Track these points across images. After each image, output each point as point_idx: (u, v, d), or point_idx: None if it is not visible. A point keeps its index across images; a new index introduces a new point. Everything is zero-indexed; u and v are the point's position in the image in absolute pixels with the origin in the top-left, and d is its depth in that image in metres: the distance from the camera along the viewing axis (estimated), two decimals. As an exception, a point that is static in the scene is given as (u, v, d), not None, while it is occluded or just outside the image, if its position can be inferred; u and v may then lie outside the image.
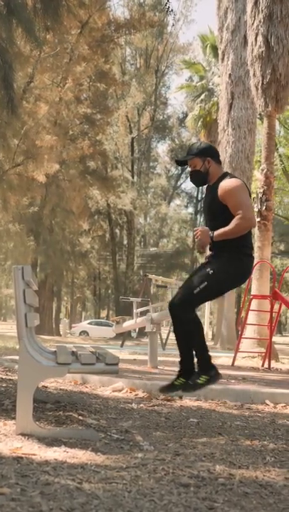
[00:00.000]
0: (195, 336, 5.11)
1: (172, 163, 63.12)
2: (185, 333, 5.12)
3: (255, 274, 15.04)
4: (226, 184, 5.07)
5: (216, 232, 5.03)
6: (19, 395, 4.20)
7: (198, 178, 5.33)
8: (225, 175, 5.23)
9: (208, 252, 5.29)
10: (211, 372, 5.11)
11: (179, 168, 61.75)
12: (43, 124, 26.52)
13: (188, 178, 5.65)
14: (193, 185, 5.89)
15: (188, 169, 5.43)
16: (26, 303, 4.39)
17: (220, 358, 14.95)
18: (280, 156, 38.59)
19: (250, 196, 5.18)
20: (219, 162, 5.34)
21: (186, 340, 5.18)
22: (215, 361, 5.12)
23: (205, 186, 5.44)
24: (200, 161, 5.25)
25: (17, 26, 11.34)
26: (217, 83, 32.74)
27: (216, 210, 5.11)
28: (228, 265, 5.02)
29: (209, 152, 5.29)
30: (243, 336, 14.08)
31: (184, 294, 5.05)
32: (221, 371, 5.27)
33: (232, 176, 5.22)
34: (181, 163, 5.50)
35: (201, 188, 51.77)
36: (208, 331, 47.36)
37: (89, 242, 49.94)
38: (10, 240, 33.36)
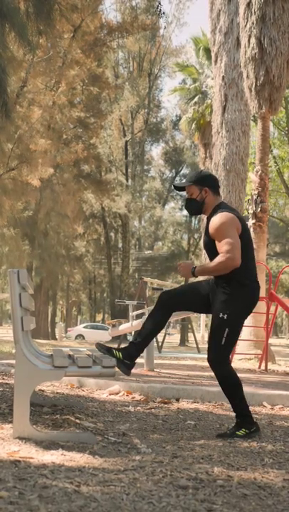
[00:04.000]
0: (237, 391, 4.96)
1: (166, 165, 63.16)
2: (231, 387, 4.95)
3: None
4: (214, 220, 4.89)
5: (198, 267, 4.94)
6: (16, 398, 4.19)
7: (192, 207, 5.16)
8: (217, 207, 5.02)
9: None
10: (252, 428, 4.93)
11: (173, 171, 61.87)
12: (37, 128, 26.54)
13: (184, 205, 5.37)
14: (187, 213, 5.67)
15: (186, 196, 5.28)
16: (22, 306, 4.38)
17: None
18: (274, 157, 38.66)
19: (244, 226, 4.96)
20: (218, 193, 5.13)
21: (235, 392, 5.01)
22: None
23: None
24: (197, 190, 5.07)
25: (10, 31, 11.32)
26: (210, 85, 32.78)
27: (209, 244, 4.99)
28: (236, 301, 4.88)
29: (208, 182, 5.09)
30: (239, 338, 14.07)
31: (214, 351, 4.90)
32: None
33: (224, 209, 4.96)
34: (179, 188, 5.25)
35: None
36: (204, 334, 47.35)
37: (84, 245, 50.00)
38: (5, 245, 33.35)
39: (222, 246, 4.79)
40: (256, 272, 5.09)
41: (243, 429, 4.88)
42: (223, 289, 4.90)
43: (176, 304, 5.07)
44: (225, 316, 4.84)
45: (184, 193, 5.11)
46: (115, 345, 5.04)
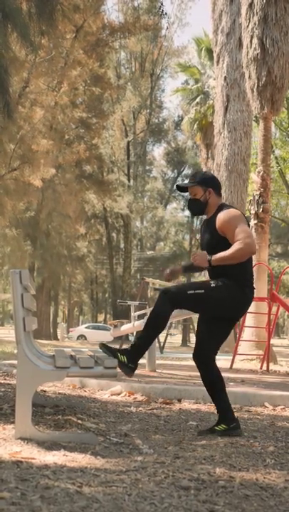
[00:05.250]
0: (154, 332, 4.93)
1: (168, 166, 63.21)
2: (155, 325, 4.91)
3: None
4: (223, 215, 4.94)
5: (214, 256, 4.88)
6: (18, 399, 4.20)
7: (196, 208, 5.20)
8: (222, 206, 5.09)
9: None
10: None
11: (175, 171, 61.87)
12: (39, 129, 26.52)
13: (186, 206, 5.45)
14: (190, 213, 5.73)
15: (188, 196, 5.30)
16: (24, 307, 4.38)
17: (218, 360, 14.92)
18: (276, 158, 38.65)
19: (249, 226, 5.05)
20: (220, 195, 5.20)
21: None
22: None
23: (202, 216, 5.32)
24: (201, 190, 5.13)
25: (12, 31, 11.31)
26: (212, 86, 32.78)
27: (215, 243, 4.98)
28: (230, 290, 4.86)
29: (212, 183, 5.15)
30: (241, 339, 14.08)
31: (176, 288, 4.91)
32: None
33: (229, 207, 5.08)
34: (182, 189, 5.34)
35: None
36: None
37: (86, 246, 49.96)
38: (7, 245, 33.37)
39: (237, 234, 4.83)
40: (253, 278, 5.13)
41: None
42: (222, 281, 4.93)
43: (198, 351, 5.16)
44: (212, 285, 4.88)
45: (185, 193, 5.14)
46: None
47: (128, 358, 4.84)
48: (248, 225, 5.02)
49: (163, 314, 4.89)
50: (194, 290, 4.85)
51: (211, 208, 5.14)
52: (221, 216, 4.95)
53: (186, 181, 5.31)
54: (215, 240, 4.99)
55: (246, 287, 4.96)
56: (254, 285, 5.11)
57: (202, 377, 5.07)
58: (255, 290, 5.14)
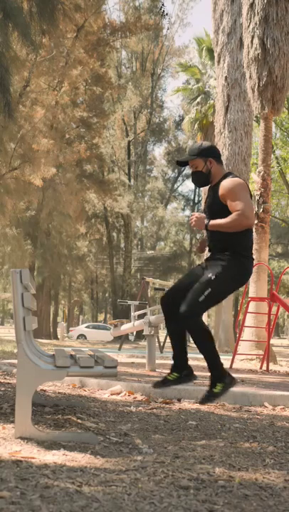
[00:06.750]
0: (207, 343, 4.98)
1: (169, 166, 63.16)
2: (201, 339, 4.97)
3: (252, 277, 15.02)
4: (226, 183, 4.97)
5: (211, 221, 4.96)
6: (18, 398, 4.20)
7: (200, 179, 5.20)
8: (227, 175, 5.11)
9: (206, 254, 5.21)
10: (226, 379, 5.01)
11: (176, 171, 61.84)
12: (40, 128, 26.52)
13: (190, 179, 5.49)
14: (194, 185, 5.74)
15: (190, 170, 5.32)
16: (24, 306, 4.38)
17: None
18: (276, 158, 38.63)
19: (251, 197, 5.08)
20: (221, 162, 5.21)
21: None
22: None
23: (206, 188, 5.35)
24: (202, 162, 5.13)
25: (13, 30, 11.33)
26: (213, 86, 32.78)
27: (217, 211, 5.01)
28: (229, 269, 4.92)
29: (211, 152, 5.16)
30: (241, 339, 14.07)
31: (189, 305, 4.90)
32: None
33: (234, 176, 5.09)
34: (182, 163, 5.32)
35: (198, 190, 51.02)
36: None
37: (86, 245, 50.00)
38: (7, 244, 33.35)
39: (237, 205, 4.87)
40: (252, 248, 5.18)
41: (219, 385, 4.98)
42: (220, 258, 5.01)
43: (177, 294, 5.13)
44: (213, 277, 4.91)
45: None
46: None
47: (215, 381, 5.01)
48: (251, 196, 5.04)
49: (198, 327, 4.95)
50: (203, 294, 4.88)
51: (215, 176, 5.16)
52: (225, 184, 4.98)
53: (186, 155, 5.30)
54: (217, 206, 5.03)
55: (245, 258, 5.02)
56: (254, 257, 5.15)
57: (190, 335, 5.06)
58: (254, 260, 5.18)
